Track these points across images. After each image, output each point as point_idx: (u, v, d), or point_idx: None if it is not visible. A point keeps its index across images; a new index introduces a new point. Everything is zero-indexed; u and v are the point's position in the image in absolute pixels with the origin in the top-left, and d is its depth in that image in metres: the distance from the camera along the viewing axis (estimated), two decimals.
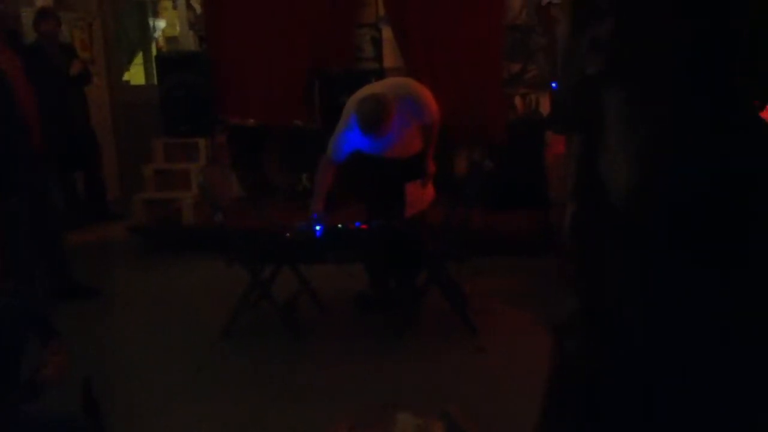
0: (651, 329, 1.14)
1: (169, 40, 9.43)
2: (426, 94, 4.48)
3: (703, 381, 1.12)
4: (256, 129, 7.10)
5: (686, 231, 1.06)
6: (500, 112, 6.76)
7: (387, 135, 4.29)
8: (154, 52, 9.08)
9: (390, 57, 7.20)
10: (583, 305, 1.25)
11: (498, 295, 4.97)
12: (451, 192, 5.07)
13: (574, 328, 1.28)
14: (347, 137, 4.37)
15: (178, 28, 8.94)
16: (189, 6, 8.31)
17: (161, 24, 9.52)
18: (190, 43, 7.93)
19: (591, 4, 1.11)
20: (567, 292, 1.30)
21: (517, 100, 7.12)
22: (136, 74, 9.38)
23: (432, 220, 4.77)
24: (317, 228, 4.41)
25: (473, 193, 4.55)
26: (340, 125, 4.42)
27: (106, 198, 7.44)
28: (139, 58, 9.50)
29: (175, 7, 8.92)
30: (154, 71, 7.94)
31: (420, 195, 4.67)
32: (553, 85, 6.32)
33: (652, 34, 1.06)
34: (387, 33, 7.15)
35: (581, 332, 1.26)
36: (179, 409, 3.59)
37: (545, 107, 6.90)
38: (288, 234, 4.50)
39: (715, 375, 1.11)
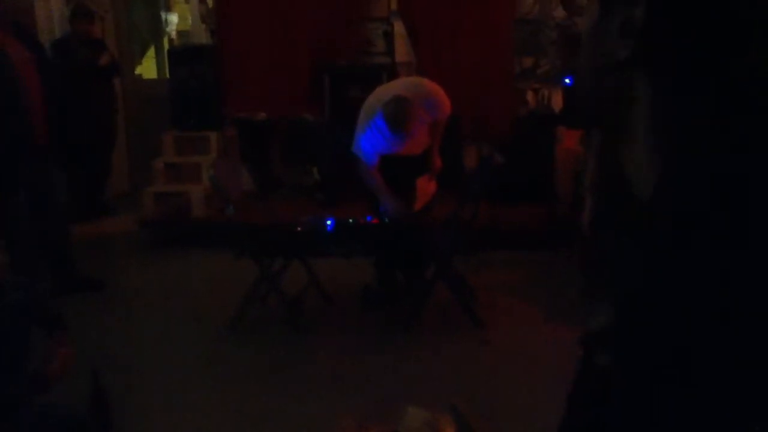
0: (671, 326, 1.11)
1: (181, 33, 9.44)
2: (440, 92, 4.53)
3: (714, 386, 1.09)
4: (265, 123, 7.10)
5: (712, 227, 1.03)
6: (507, 108, 6.73)
7: (409, 134, 4.35)
8: (166, 45, 9.09)
9: (401, 51, 7.18)
10: (617, 317, 1.19)
11: (504, 288, 4.96)
12: (461, 186, 5.05)
13: (605, 342, 1.22)
14: (369, 140, 4.40)
15: (189, 22, 8.95)
16: (201, 0, 8.32)
17: (173, 18, 9.53)
18: (201, 36, 7.94)
19: None
20: (599, 300, 1.24)
21: (529, 95, 7.09)
22: (147, 68, 9.40)
23: (440, 215, 4.77)
24: (328, 222, 4.42)
25: (480, 187, 4.54)
26: (358, 130, 4.44)
27: (104, 194, 7.42)
28: (151, 52, 9.52)
29: (186, 1, 8.93)
30: (166, 65, 7.94)
31: (425, 189, 4.70)
32: (566, 80, 6.28)
33: (691, 22, 1.02)
34: (399, 27, 7.12)
35: (611, 349, 1.21)
36: (186, 402, 3.59)
37: (557, 102, 6.87)
38: (298, 227, 4.50)
39: (727, 380, 1.09)
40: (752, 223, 1.03)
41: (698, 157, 1.00)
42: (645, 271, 1.13)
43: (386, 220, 4.45)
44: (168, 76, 7.53)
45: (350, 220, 4.51)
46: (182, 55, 7.31)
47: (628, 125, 1.06)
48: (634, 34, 1.04)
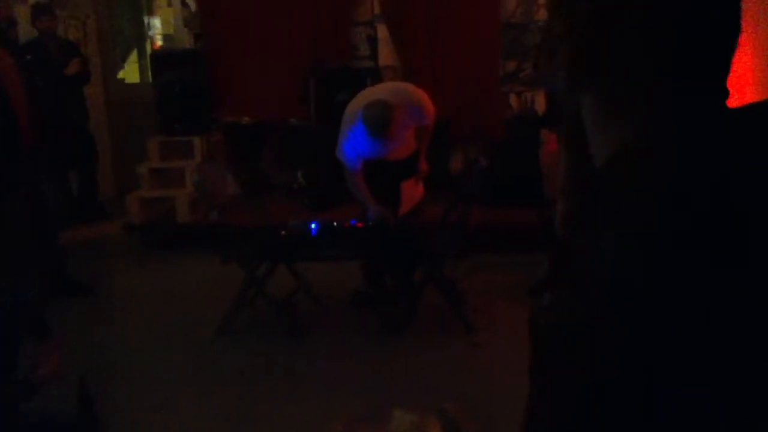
0: (652, 327, 1.13)
1: (164, 38, 9.42)
2: (424, 98, 4.52)
3: (706, 382, 1.11)
4: (251, 127, 7.10)
5: (687, 227, 1.06)
6: (497, 110, 6.77)
7: (391, 139, 4.33)
8: (149, 50, 9.07)
9: (385, 55, 7.20)
10: (588, 311, 1.23)
11: (495, 291, 4.98)
12: (449, 189, 5.07)
13: (548, 286, 1.26)
14: (351, 144, 4.40)
15: (173, 26, 8.93)
16: (184, 4, 8.31)
17: (156, 22, 9.51)
18: (185, 41, 7.93)
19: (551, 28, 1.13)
20: (542, 263, 1.29)
21: (513, 98, 7.13)
22: (130, 72, 9.37)
23: (430, 218, 4.79)
24: (313, 226, 4.43)
25: (472, 190, 4.56)
26: (341, 135, 4.44)
27: (98, 197, 7.41)
28: (134, 56, 9.49)
29: (170, 5, 8.92)
30: (149, 69, 7.92)
31: (411, 193, 4.71)
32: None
33: (651, 26, 1.06)
34: (382, 31, 7.15)
35: (553, 288, 1.25)
36: (175, 406, 3.59)
37: (540, 105, 6.91)
38: (283, 232, 4.50)
39: (718, 377, 1.10)
40: (719, 225, 1.06)
41: (668, 160, 1.04)
42: (618, 269, 1.15)
43: (370, 224, 4.46)
44: (151, 80, 7.51)
45: (334, 224, 4.52)
46: (165, 59, 7.30)
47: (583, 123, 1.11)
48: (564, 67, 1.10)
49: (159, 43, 9.46)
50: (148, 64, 8.14)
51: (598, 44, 1.07)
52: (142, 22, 9.35)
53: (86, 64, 7.09)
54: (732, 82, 1.07)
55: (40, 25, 6.71)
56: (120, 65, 9.13)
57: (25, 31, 6.95)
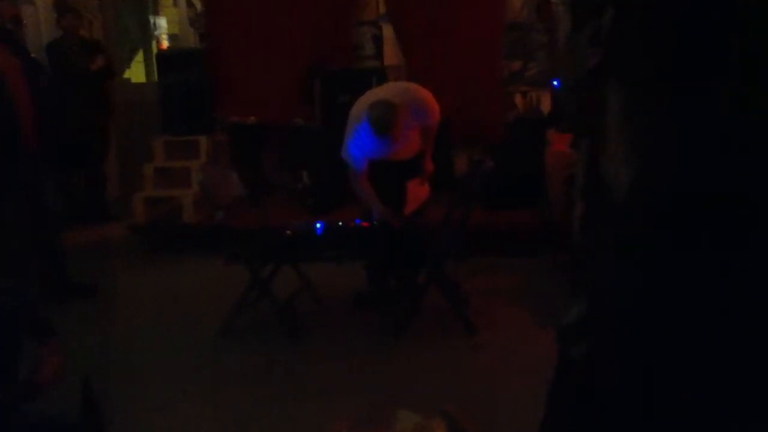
0: (652, 328, 1.12)
1: (170, 37, 9.44)
2: (429, 98, 4.52)
3: (705, 382, 1.10)
4: (256, 127, 7.10)
5: (687, 227, 1.05)
6: (499, 111, 6.75)
7: (396, 139, 4.34)
8: (155, 49, 9.09)
9: (391, 55, 7.20)
10: (590, 312, 1.23)
11: (497, 293, 4.97)
12: (452, 190, 5.07)
13: (580, 335, 1.26)
14: (357, 144, 4.40)
15: (178, 26, 8.95)
16: (189, 4, 8.33)
17: (162, 22, 9.53)
18: (190, 40, 7.94)
19: None
20: (573, 297, 1.28)
21: (518, 99, 7.11)
22: (136, 72, 9.40)
23: (432, 219, 4.79)
24: (318, 226, 4.43)
25: (474, 191, 4.55)
26: (347, 135, 4.44)
27: (106, 198, 7.43)
28: (140, 56, 9.51)
29: (175, 5, 8.94)
30: (155, 69, 7.94)
31: (417, 193, 4.71)
32: (555, 82, 6.30)
33: (651, 27, 1.05)
34: (388, 31, 7.15)
35: (587, 340, 1.24)
36: (178, 407, 3.58)
37: (546, 105, 6.90)
38: (288, 232, 4.50)
39: (717, 377, 1.10)
40: (719, 225, 1.05)
41: (668, 161, 1.03)
42: (618, 269, 1.15)
43: (375, 223, 4.46)
44: (157, 80, 7.53)
45: (339, 224, 4.52)
46: (171, 59, 7.31)
47: (603, 133, 1.09)
48: (603, 41, 1.08)
49: (165, 43, 9.48)
50: (154, 64, 8.16)
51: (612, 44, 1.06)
52: (148, 22, 9.37)
53: (110, 61, 7.13)
54: None
55: (64, 24, 6.75)
56: (126, 65, 9.16)
57: (32, 31, 6.97)
